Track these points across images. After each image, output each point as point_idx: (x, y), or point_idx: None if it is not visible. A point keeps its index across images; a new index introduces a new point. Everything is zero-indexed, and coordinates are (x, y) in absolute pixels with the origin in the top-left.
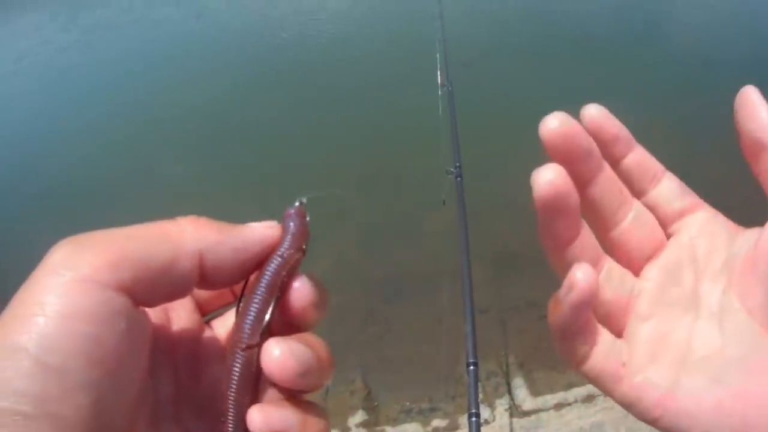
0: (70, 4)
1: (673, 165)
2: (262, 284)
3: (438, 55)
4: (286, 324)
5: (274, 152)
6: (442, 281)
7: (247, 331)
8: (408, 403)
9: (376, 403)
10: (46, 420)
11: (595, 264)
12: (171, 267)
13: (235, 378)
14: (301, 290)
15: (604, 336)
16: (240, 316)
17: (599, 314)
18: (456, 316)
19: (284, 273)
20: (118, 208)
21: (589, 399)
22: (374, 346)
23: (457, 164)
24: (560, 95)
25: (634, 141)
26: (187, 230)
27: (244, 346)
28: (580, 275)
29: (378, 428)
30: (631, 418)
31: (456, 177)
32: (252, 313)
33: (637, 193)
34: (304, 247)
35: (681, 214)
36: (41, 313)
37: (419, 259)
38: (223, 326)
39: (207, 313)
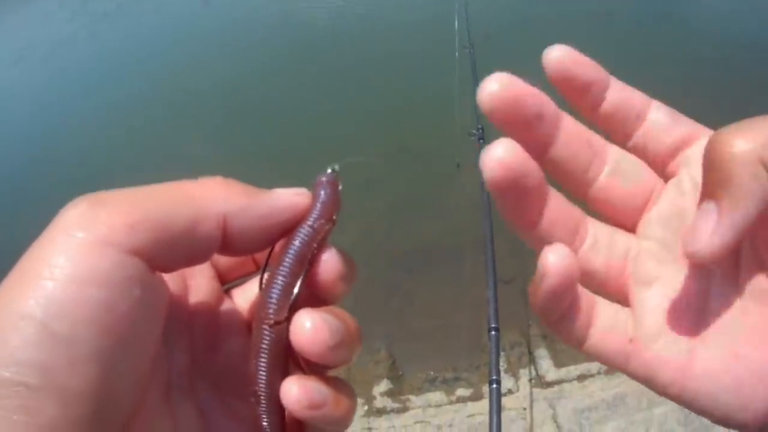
0: None
1: None
2: (290, 255)
3: (457, 17)
4: (312, 296)
5: (294, 128)
6: (466, 251)
7: (274, 305)
8: (432, 373)
9: (400, 373)
10: (51, 392)
11: (575, 233)
12: (192, 230)
13: (264, 355)
14: (330, 263)
15: (601, 311)
16: (266, 290)
17: (593, 286)
18: (480, 286)
19: (314, 245)
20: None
21: (611, 370)
22: (399, 316)
23: (479, 126)
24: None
25: (609, 79)
26: (213, 192)
27: (272, 321)
28: (551, 258)
29: (402, 397)
30: (652, 391)
31: (479, 139)
32: (279, 287)
33: (623, 137)
34: (334, 217)
35: (676, 149)
36: (50, 276)
37: (444, 230)
38: (243, 296)
39: (227, 281)
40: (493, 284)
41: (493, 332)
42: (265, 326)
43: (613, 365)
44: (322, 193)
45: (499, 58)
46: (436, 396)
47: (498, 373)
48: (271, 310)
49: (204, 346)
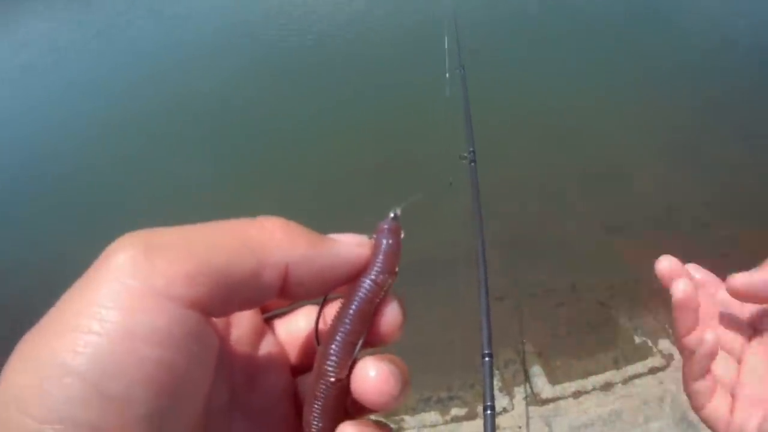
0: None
1: (683, 146)
2: (352, 312)
3: (447, 39)
4: (366, 341)
5: (287, 145)
6: (458, 268)
7: (335, 362)
8: (426, 393)
9: None
10: None
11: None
12: (253, 279)
13: (320, 409)
14: (391, 317)
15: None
16: (326, 345)
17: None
18: (473, 303)
19: (377, 300)
20: (137, 206)
21: (607, 387)
22: None
23: (471, 149)
24: (565, 80)
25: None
26: (275, 239)
27: (333, 379)
28: (708, 336)
29: (396, 418)
30: (649, 406)
31: (470, 162)
32: (339, 343)
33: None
34: (396, 269)
35: None
36: (100, 330)
37: (435, 248)
38: (285, 327)
39: (268, 310)
40: (485, 309)
41: (486, 359)
42: (326, 382)
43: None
44: (384, 242)
45: (487, 76)
46: (431, 416)
47: (492, 398)
48: (332, 367)
49: (243, 382)
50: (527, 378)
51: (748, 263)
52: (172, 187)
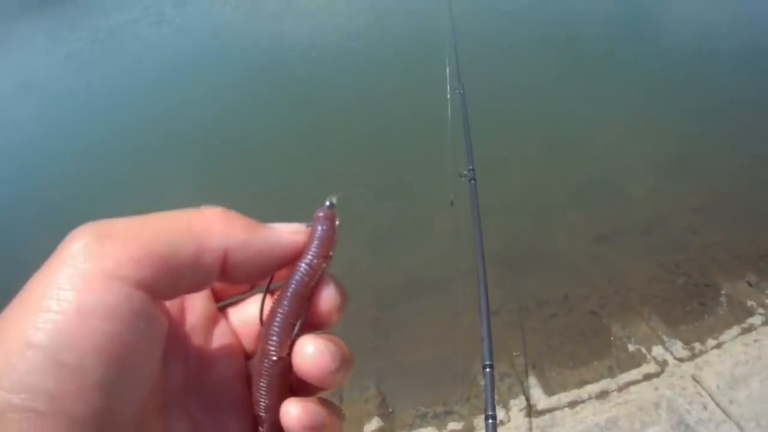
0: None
1: (674, 154)
2: (289, 294)
3: (448, 59)
4: (308, 324)
5: (286, 160)
6: (453, 284)
7: (276, 341)
8: (423, 408)
9: (390, 410)
10: (59, 417)
11: None
12: (194, 263)
13: (266, 387)
14: (328, 298)
15: None
16: (268, 326)
17: None
18: (467, 318)
19: (312, 282)
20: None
21: (602, 395)
22: (387, 351)
23: (470, 167)
24: (560, 98)
25: None
26: (214, 225)
27: (275, 357)
28: None
29: None
30: (644, 412)
31: (469, 180)
32: (280, 323)
33: None
34: (331, 253)
35: None
36: (57, 309)
37: (430, 263)
38: (237, 315)
39: (221, 299)
40: (486, 321)
41: (487, 369)
42: (269, 360)
43: None
44: (320, 229)
45: (485, 96)
46: (428, 431)
47: (494, 408)
48: (273, 346)
49: (198, 366)
50: (523, 390)
51: (737, 268)
52: (163, 198)
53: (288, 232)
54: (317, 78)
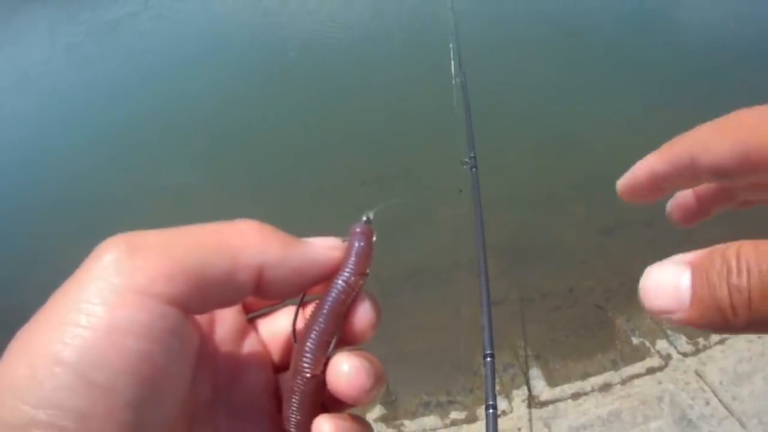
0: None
1: None
2: (325, 311)
3: (451, 46)
4: (341, 340)
5: (288, 151)
6: (457, 273)
7: (310, 359)
8: (426, 397)
9: (393, 398)
10: None
11: None
12: (228, 279)
13: (298, 403)
14: (364, 316)
15: None
16: (302, 343)
17: None
18: (472, 308)
19: (348, 300)
20: (130, 215)
21: (605, 388)
22: (391, 340)
23: (472, 155)
24: (565, 88)
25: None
26: (249, 240)
27: (308, 375)
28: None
29: (396, 422)
30: (647, 406)
31: (471, 168)
32: (315, 341)
33: None
34: (368, 271)
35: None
36: (87, 324)
37: (435, 252)
38: (267, 327)
39: (251, 310)
40: (487, 310)
41: (488, 358)
42: (302, 378)
43: None
44: (357, 245)
45: (493, 87)
46: (431, 420)
47: (494, 398)
48: (308, 364)
49: (226, 379)
50: (526, 381)
51: None
52: (166, 192)
53: (325, 248)
54: (317, 69)
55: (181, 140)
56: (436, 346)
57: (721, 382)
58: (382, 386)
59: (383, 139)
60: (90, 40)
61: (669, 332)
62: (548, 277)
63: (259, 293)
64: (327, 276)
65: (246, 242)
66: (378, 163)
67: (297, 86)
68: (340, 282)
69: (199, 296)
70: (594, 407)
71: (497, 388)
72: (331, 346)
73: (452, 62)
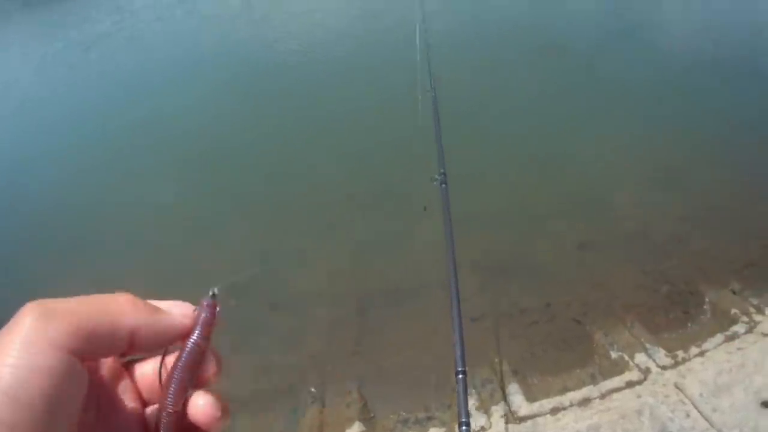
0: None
1: (660, 163)
2: (181, 363)
3: (419, 60)
4: (196, 383)
5: (257, 172)
6: (434, 290)
7: (172, 398)
8: (404, 413)
9: (372, 414)
10: None
11: None
12: (111, 337)
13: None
14: (210, 366)
15: None
16: (166, 386)
17: None
18: (447, 325)
19: (199, 356)
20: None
21: (584, 402)
22: (369, 357)
23: (442, 171)
24: (536, 101)
25: None
26: (125, 308)
27: (171, 410)
28: None
29: None
30: (626, 420)
31: (441, 184)
32: (176, 385)
33: None
34: (210, 335)
35: None
36: (13, 363)
37: (410, 270)
38: (140, 370)
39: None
40: (458, 327)
41: (460, 375)
42: (167, 413)
43: None
44: (203, 315)
45: (457, 97)
46: None
47: (467, 415)
48: (170, 402)
49: (107, 407)
50: (505, 396)
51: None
52: (142, 210)
53: (180, 317)
54: (284, 92)
55: (153, 158)
56: (414, 363)
57: (701, 394)
58: (228, 416)
59: (357, 158)
60: (62, 59)
61: (647, 345)
62: (526, 293)
63: (133, 347)
64: (181, 337)
65: (123, 311)
66: (354, 182)
67: (267, 107)
68: (191, 343)
69: (90, 348)
70: (573, 422)
71: (476, 404)
72: (188, 389)
73: (417, 78)
